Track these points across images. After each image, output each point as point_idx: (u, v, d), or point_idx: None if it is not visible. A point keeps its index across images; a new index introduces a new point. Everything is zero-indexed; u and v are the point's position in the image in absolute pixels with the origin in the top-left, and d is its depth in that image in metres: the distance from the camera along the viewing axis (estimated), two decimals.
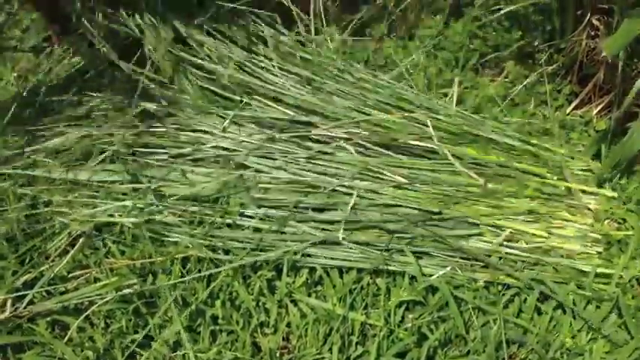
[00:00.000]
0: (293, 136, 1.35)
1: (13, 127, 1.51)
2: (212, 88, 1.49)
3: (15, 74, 1.75)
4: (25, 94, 1.59)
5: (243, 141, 1.37)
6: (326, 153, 1.33)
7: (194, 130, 1.41)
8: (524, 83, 1.50)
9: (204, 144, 1.37)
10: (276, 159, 1.34)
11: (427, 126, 1.33)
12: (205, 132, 1.41)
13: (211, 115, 1.43)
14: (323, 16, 1.67)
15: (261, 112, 1.41)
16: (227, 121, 1.40)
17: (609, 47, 1.09)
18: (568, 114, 1.46)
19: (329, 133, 1.34)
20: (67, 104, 1.54)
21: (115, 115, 1.48)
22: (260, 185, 1.30)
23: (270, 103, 1.42)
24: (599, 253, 1.15)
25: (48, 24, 1.75)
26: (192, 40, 1.52)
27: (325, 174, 1.31)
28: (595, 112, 1.43)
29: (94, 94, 1.56)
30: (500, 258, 1.15)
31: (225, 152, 1.37)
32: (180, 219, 1.26)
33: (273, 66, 1.48)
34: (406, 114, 1.38)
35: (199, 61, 1.50)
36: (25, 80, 1.68)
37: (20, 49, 1.83)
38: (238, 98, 1.44)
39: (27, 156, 1.43)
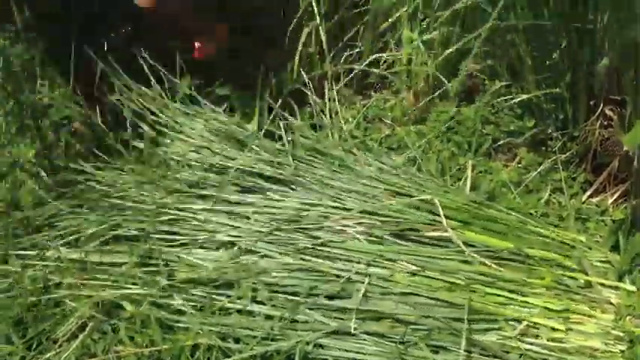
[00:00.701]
0: (302, 227, 1.35)
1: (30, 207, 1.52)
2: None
3: (33, 151, 1.77)
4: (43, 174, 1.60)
5: (253, 227, 1.37)
6: (337, 241, 1.32)
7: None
8: (539, 170, 1.50)
9: (214, 232, 1.37)
10: (285, 245, 1.33)
11: (439, 215, 1.32)
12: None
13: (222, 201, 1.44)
14: (337, 100, 1.70)
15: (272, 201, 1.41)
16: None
17: (629, 142, 1.09)
18: (583, 202, 1.45)
19: (342, 221, 1.34)
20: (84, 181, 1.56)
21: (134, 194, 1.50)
22: (270, 271, 1.29)
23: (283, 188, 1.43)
24: (622, 351, 1.11)
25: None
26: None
27: (338, 259, 1.30)
28: (611, 201, 1.42)
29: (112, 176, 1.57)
30: (521, 355, 1.11)
31: (234, 238, 1.36)
32: (190, 304, 1.24)
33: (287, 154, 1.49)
34: (418, 199, 1.38)
35: None
36: (44, 158, 1.71)
37: (42, 126, 1.86)
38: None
39: (42, 235, 1.43)
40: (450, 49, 1.54)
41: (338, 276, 1.25)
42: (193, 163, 1.54)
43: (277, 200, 1.43)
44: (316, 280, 1.28)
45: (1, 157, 1.74)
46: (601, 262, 1.29)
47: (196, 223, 1.41)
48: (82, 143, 1.71)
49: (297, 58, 1.73)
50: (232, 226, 1.39)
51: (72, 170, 1.60)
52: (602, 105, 1.39)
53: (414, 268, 1.25)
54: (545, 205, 1.47)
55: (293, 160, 1.48)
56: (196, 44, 1.65)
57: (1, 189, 1.61)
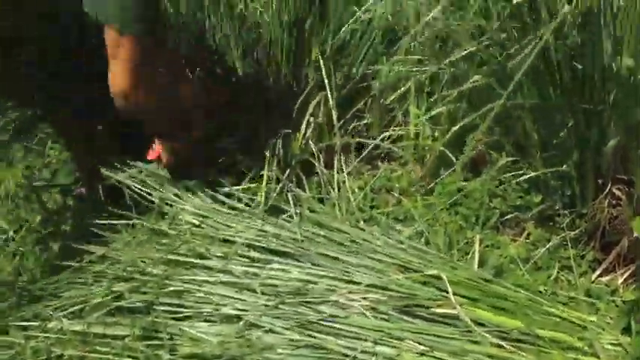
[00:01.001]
0: (307, 301, 1.33)
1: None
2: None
3: (40, 217, 1.79)
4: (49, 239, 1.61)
5: (258, 301, 1.35)
6: (342, 316, 1.30)
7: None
8: (547, 247, 1.49)
9: (219, 304, 1.36)
10: (290, 319, 1.32)
11: (447, 292, 1.31)
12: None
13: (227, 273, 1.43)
14: (344, 171, 1.71)
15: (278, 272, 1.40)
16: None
17: (638, 228, 1.09)
18: (593, 281, 1.44)
19: (348, 296, 1.32)
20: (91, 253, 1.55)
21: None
22: (275, 347, 1.27)
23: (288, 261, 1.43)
24: None
25: (80, 169, 1.81)
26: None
27: (344, 336, 1.28)
28: (621, 280, 1.41)
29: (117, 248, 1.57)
30: None
31: (239, 311, 1.34)
32: None
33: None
34: (425, 275, 1.37)
35: None
36: (52, 224, 1.72)
37: (49, 191, 1.88)
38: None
39: (44, 305, 1.42)
40: (456, 127, 1.55)
41: (345, 355, 1.23)
42: (198, 234, 1.53)
43: (283, 272, 1.43)
44: (321, 357, 1.26)
45: (7, 222, 1.75)
46: (612, 344, 1.26)
47: (201, 295, 1.40)
48: (87, 211, 1.72)
49: (304, 128, 1.76)
50: (237, 298, 1.38)
51: (77, 238, 1.60)
52: (609, 184, 1.39)
53: (422, 348, 1.23)
54: (554, 282, 1.45)
55: (300, 234, 1.47)
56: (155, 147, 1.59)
57: (6, 255, 1.62)
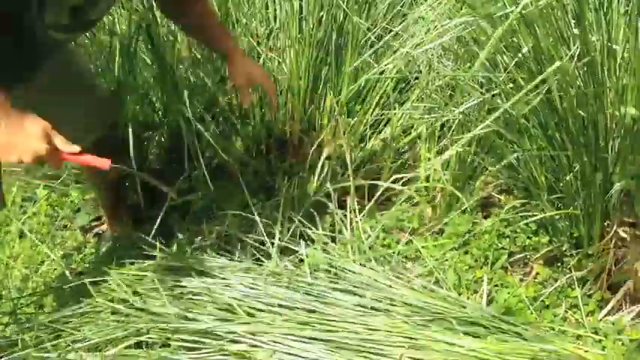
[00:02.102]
0: None
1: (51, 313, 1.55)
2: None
3: (61, 252, 1.84)
4: (69, 276, 1.65)
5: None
6: None
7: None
8: (555, 286, 1.53)
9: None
10: None
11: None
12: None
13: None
14: (357, 211, 1.76)
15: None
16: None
17: None
18: (600, 320, 1.47)
19: None
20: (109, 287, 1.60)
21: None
22: None
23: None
24: None
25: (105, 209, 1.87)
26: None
27: None
28: (628, 319, 1.44)
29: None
30: None
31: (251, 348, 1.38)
32: None
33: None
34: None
35: None
36: (74, 262, 1.76)
37: (70, 228, 1.94)
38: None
39: (64, 339, 1.45)
40: (466, 171, 1.61)
41: None
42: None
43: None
44: None
45: (29, 257, 1.80)
46: None
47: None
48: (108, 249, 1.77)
49: (319, 169, 1.82)
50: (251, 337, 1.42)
51: (97, 273, 1.65)
52: (615, 226, 1.43)
53: None
54: (563, 321, 1.48)
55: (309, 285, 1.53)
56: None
57: (27, 290, 1.66)
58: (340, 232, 1.75)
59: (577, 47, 1.32)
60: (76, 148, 1.19)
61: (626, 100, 1.32)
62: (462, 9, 1.63)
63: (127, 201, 1.85)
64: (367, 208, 1.79)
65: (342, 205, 1.82)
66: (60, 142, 1.16)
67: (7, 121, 1.12)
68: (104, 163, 1.22)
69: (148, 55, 1.92)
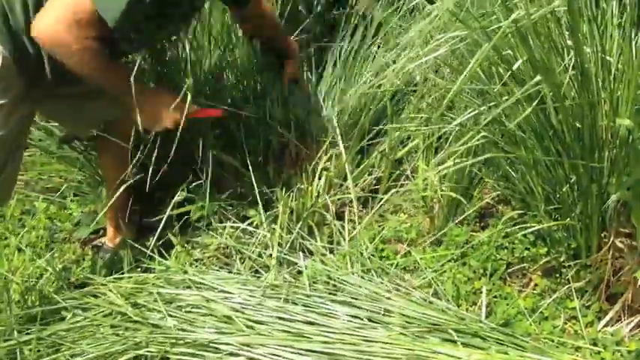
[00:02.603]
0: None
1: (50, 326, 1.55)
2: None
3: (60, 265, 1.84)
4: (67, 289, 1.65)
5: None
6: None
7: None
8: (553, 297, 1.53)
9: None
10: None
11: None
12: None
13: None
14: (355, 222, 1.77)
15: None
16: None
17: None
18: (599, 331, 1.46)
19: None
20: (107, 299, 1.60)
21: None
22: None
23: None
24: None
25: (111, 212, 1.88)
26: None
27: None
28: (626, 331, 1.43)
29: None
30: None
31: None
32: None
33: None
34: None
35: None
36: (73, 274, 1.77)
37: (69, 240, 1.94)
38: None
39: (62, 353, 1.46)
40: (463, 183, 1.61)
41: None
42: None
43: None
44: None
45: (27, 270, 1.81)
46: None
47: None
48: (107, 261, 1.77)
49: (317, 181, 1.83)
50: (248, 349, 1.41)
51: (95, 286, 1.65)
52: (612, 236, 1.44)
53: None
54: (561, 332, 1.48)
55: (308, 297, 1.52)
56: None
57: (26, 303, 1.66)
58: (339, 243, 1.76)
59: (571, 58, 1.33)
60: (197, 109, 1.58)
61: (621, 111, 1.33)
62: (456, 22, 1.64)
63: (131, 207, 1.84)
64: (365, 219, 1.79)
65: (340, 217, 1.83)
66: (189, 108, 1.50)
67: (145, 96, 1.46)
68: (218, 112, 1.68)
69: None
